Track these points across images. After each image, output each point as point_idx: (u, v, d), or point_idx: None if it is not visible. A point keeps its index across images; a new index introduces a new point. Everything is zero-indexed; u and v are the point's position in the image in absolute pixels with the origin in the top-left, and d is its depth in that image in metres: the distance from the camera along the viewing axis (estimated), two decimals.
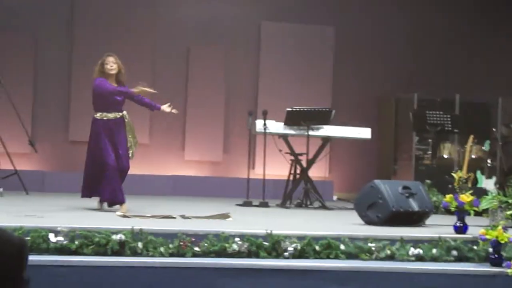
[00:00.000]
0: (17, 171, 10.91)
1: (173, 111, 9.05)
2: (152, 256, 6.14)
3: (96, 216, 7.95)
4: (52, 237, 6.07)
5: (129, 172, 8.90)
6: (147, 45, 13.25)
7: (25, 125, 11.33)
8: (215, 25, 13.58)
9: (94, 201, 8.87)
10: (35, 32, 12.87)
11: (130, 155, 8.73)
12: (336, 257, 6.47)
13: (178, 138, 13.43)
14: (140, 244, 6.17)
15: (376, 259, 6.53)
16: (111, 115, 8.64)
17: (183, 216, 7.96)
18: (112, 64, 8.58)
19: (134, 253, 6.15)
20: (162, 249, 6.18)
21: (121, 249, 6.13)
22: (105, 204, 8.73)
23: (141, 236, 6.23)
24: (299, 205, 10.68)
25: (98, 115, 8.66)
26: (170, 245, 6.22)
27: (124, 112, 8.74)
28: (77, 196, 9.03)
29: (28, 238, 5.98)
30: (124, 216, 7.84)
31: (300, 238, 6.51)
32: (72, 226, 6.27)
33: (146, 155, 13.12)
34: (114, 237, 6.14)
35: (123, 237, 6.15)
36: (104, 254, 6.08)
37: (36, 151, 11.49)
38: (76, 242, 6.08)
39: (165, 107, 9.01)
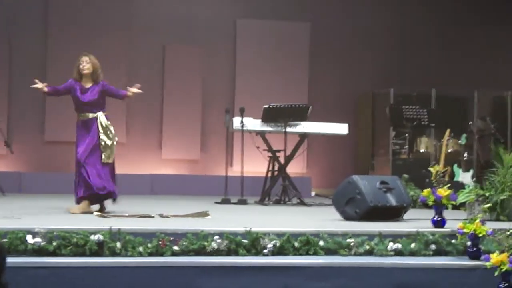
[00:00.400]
0: None
1: (136, 90, 8.92)
2: (131, 256, 6.12)
3: (74, 216, 7.90)
4: (29, 238, 6.03)
5: None
6: (123, 43, 13.19)
7: (0, 127, 11.25)
8: (191, 23, 13.55)
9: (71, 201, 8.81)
10: (9, 32, 12.78)
11: (103, 157, 8.58)
12: (315, 253, 6.48)
13: (155, 137, 13.40)
14: (118, 244, 6.14)
15: (355, 254, 6.55)
16: (81, 116, 8.57)
17: (161, 215, 7.94)
18: (84, 64, 8.50)
19: (113, 253, 6.12)
20: (141, 248, 6.17)
21: (99, 249, 6.10)
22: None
23: (120, 236, 6.20)
24: (278, 202, 10.69)
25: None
26: (149, 245, 6.20)
27: (99, 114, 8.59)
28: (54, 196, 8.99)
29: (6, 239, 5.95)
30: (102, 216, 7.81)
31: (279, 235, 6.52)
32: (49, 227, 6.22)
33: (123, 154, 13.04)
34: (92, 237, 6.11)
35: (101, 237, 6.12)
36: (83, 254, 6.05)
37: (12, 152, 11.41)
38: (54, 243, 6.04)
39: (130, 92, 8.90)
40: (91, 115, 8.52)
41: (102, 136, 8.51)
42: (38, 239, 6.04)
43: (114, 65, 12.40)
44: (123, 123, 13.11)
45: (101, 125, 8.53)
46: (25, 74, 12.84)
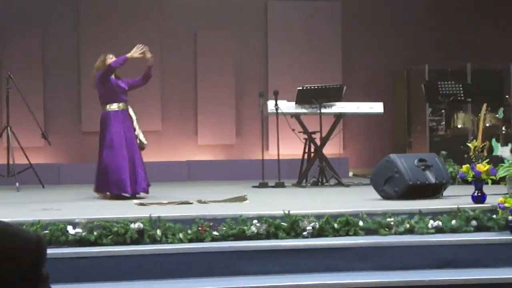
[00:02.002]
0: (31, 165, 10.94)
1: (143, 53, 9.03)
2: (171, 242, 6.14)
3: (113, 206, 7.95)
4: (70, 229, 6.08)
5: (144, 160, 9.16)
6: (155, 30, 13.20)
7: (37, 119, 11.35)
8: (222, 7, 13.52)
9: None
10: (42, 25, 12.86)
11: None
12: (355, 233, 6.45)
13: (191, 123, 13.42)
14: (158, 232, 6.17)
15: (396, 233, 6.50)
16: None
17: (200, 201, 7.96)
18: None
19: (153, 240, 6.15)
20: (181, 235, 6.18)
21: (140, 237, 6.14)
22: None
23: (159, 224, 6.23)
24: (315, 184, 10.66)
25: None
26: (189, 231, 6.21)
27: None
28: (93, 187, 9.08)
29: (47, 231, 6.00)
30: (141, 204, 7.85)
31: (318, 216, 6.50)
32: (90, 217, 6.27)
33: (159, 142, 13.13)
34: (132, 226, 6.14)
35: (141, 225, 6.15)
36: (123, 243, 6.08)
37: (49, 144, 11.50)
38: (95, 233, 6.08)
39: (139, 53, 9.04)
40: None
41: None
42: (78, 230, 6.08)
43: None
44: (158, 110, 13.16)
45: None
46: (59, 64, 12.96)
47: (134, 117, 8.98)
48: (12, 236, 1.67)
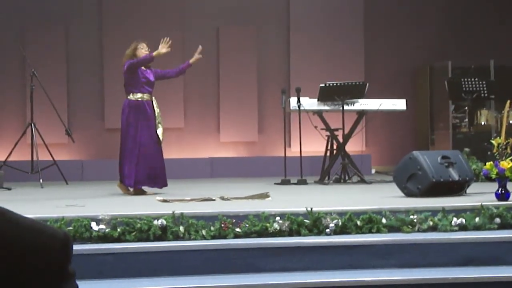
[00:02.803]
0: (55, 161, 11.01)
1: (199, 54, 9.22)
2: (194, 239, 6.16)
3: (136, 202, 7.99)
4: (94, 225, 6.11)
5: (166, 157, 9.15)
6: (177, 28, 13.24)
7: (61, 116, 11.41)
8: (244, 4, 13.53)
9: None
10: (65, 22, 12.93)
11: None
12: (378, 231, 6.43)
13: (213, 121, 13.45)
14: (181, 228, 6.19)
15: (419, 231, 6.48)
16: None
17: (222, 198, 7.98)
18: (147, 49, 8.84)
19: (176, 237, 6.17)
20: (203, 232, 6.20)
21: (163, 234, 6.16)
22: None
23: (182, 220, 6.24)
24: (338, 181, 10.65)
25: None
26: (212, 228, 6.23)
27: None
28: (116, 183, 9.11)
29: (70, 228, 6.03)
30: (164, 201, 7.88)
31: (341, 213, 6.49)
32: (113, 214, 6.30)
33: (182, 138, 13.17)
34: (155, 222, 6.16)
35: (164, 222, 6.17)
36: (147, 239, 6.11)
37: (73, 141, 11.57)
38: (118, 229, 6.11)
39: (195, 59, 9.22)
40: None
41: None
42: (102, 226, 6.12)
43: None
44: (181, 107, 13.19)
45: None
46: (82, 61, 13.03)
47: (157, 110, 8.97)
48: (39, 232, 1.68)
